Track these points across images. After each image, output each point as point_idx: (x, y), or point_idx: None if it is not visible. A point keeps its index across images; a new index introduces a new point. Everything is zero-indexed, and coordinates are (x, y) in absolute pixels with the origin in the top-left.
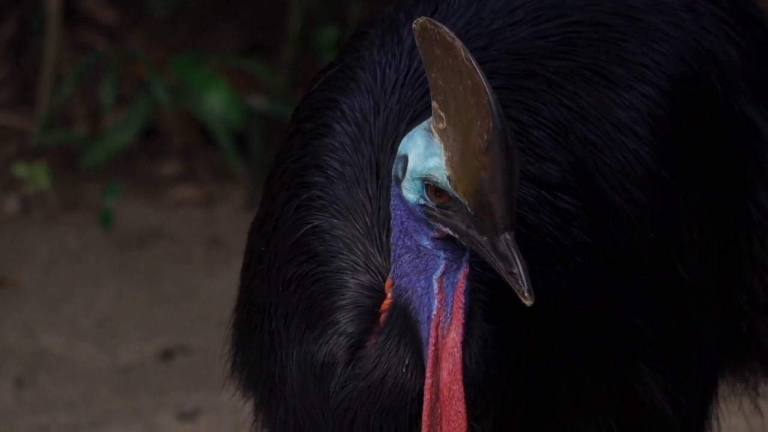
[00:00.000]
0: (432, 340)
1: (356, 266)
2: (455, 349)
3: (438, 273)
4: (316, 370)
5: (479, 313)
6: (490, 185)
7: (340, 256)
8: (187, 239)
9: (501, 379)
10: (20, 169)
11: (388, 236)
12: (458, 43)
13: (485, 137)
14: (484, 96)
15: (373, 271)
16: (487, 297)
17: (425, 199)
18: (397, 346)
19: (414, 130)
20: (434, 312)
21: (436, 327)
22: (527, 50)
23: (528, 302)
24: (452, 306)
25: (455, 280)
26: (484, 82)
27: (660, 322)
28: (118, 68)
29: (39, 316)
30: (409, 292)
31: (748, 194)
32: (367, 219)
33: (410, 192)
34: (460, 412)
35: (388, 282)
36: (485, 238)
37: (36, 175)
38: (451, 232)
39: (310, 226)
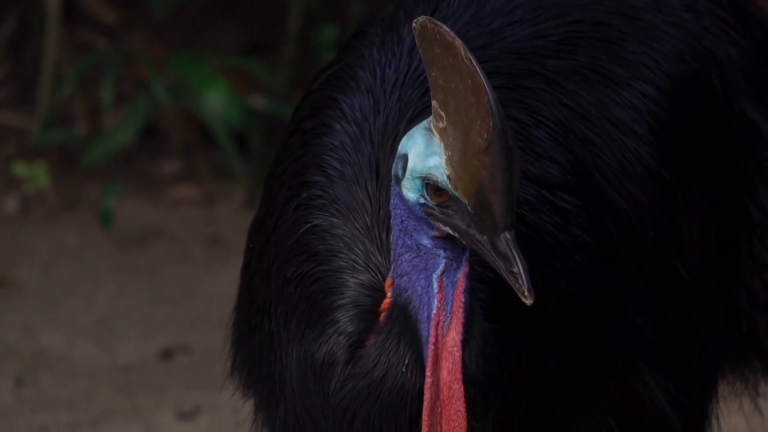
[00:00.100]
0: (432, 339)
1: (356, 265)
2: (455, 348)
3: (438, 272)
4: (315, 369)
5: (479, 312)
6: (490, 184)
7: (340, 255)
8: (187, 238)
9: (501, 378)
10: (20, 169)
11: (388, 235)
12: (458, 42)
13: (485, 136)
14: (484, 95)
15: (372, 270)
16: (487, 296)
17: (425, 198)
18: (397, 345)
19: (414, 129)
20: (434, 311)
21: (436, 326)
22: (527, 49)
23: (528, 301)
24: (452, 305)
25: (455, 279)
26: (484, 81)
27: (660, 321)
28: (118, 67)
29: (39, 315)
30: (409, 291)
31: (748, 193)
32: (367, 218)
33: (410, 191)
34: (460, 411)
35: (388, 281)
36: (485, 237)
37: (36, 175)
38: (451, 231)
39: (310, 225)
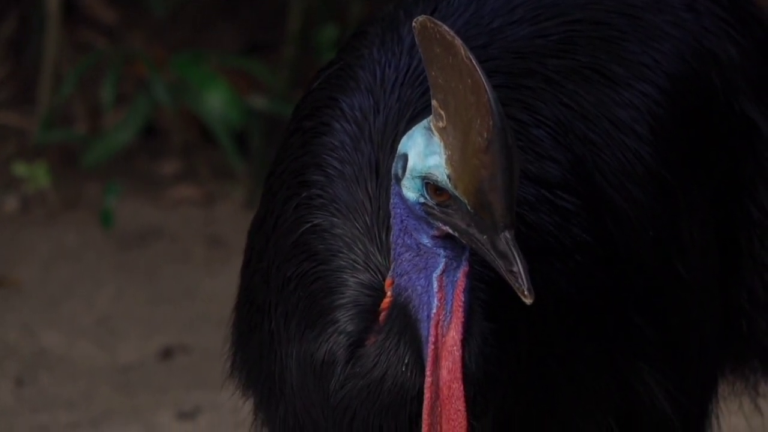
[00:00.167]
0: (432, 339)
1: (356, 265)
2: (455, 348)
3: (438, 271)
4: (315, 369)
5: (479, 312)
6: (490, 184)
7: (340, 254)
8: (187, 238)
9: (501, 377)
10: (20, 168)
11: (387, 235)
12: (458, 41)
13: (485, 136)
14: (484, 94)
15: (372, 269)
16: (486, 295)
17: (425, 198)
18: (396, 344)
19: (414, 128)
20: (434, 310)
21: (436, 325)
22: (527, 49)
23: (528, 301)
24: (452, 304)
25: (455, 279)
26: (483, 80)
27: (660, 320)
28: (118, 67)
29: (39, 315)
30: (409, 290)
31: (749, 193)
32: (366, 218)
33: (410, 190)
34: (459, 410)
35: (388, 280)
36: (485, 236)
37: (36, 174)
38: (450, 231)
39: (309, 224)
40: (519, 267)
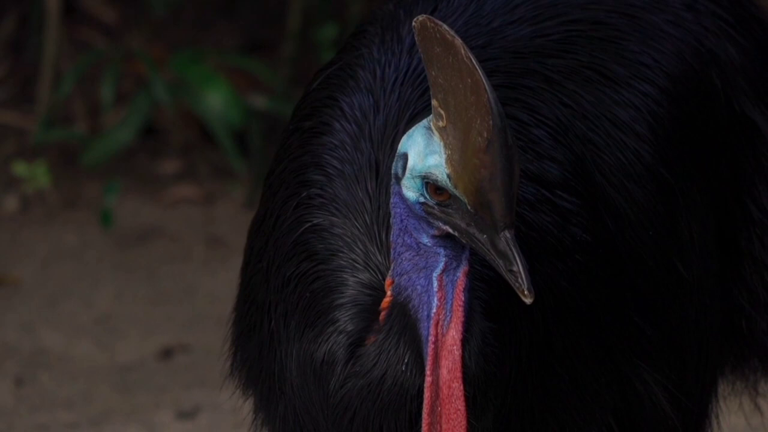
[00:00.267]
0: (431, 338)
1: (356, 264)
2: (455, 347)
3: (438, 270)
4: (315, 369)
5: (479, 311)
6: (490, 183)
7: (340, 254)
8: (187, 237)
9: (500, 377)
10: (20, 168)
11: (387, 234)
12: (458, 41)
13: (485, 135)
14: (484, 94)
15: (372, 269)
16: (486, 295)
17: (425, 197)
18: (396, 344)
19: (414, 128)
20: (434, 309)
21: (436, 325)
22: (527, 48)
23: (528, 300)
24: (452, 303)
25: (455, 278)
26: (483, 80)
27: (660, 320)
28: (117, 66)
29: (38, 314)
30: (409, 290)
31: (749, 193)
32: (366, 217)
33: (410, 190)
34: (459, 410)
35: (388, 280)
36: (485, 236)
37: (35, 174)
38: (450, 230)
39: (309, 224)
40: (519, 266)
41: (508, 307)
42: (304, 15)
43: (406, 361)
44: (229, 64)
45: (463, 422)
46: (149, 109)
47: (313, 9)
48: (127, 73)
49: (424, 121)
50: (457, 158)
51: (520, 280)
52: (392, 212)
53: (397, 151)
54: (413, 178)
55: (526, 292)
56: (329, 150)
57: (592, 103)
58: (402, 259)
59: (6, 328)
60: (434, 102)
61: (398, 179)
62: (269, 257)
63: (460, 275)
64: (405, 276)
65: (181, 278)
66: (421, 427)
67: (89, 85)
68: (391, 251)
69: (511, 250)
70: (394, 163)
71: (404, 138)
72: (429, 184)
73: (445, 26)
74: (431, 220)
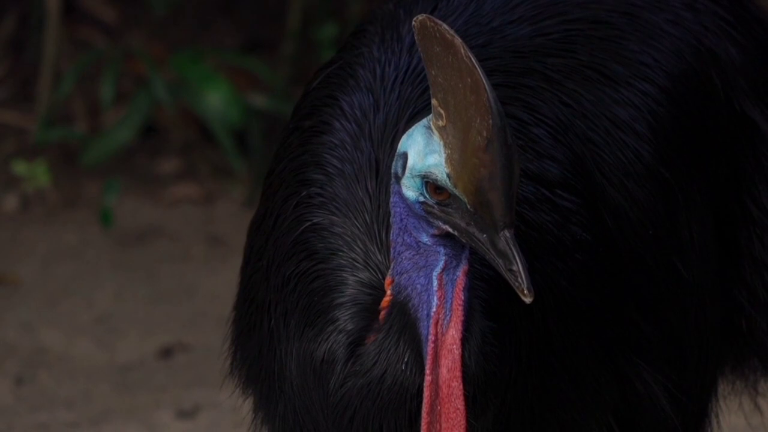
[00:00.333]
0: (431, 337)
1: (356, 263)
2: (454, 346)
3: (438, 269)
4: (315, 368)
5: (479, 310)
6: (490, 182)
7: (340, 253)
8: (187, 237)
9: (500, 376)
10: (20, 167)
11: (387, 233)
12: (458, 40)
13: (485, 135)
14: (484, 93)
15: (372, 268)
16: (486, 294)
17: (425, 197)
18: (396, 343)
19: (413, 127)
20: (434, 309)
21: (436, 324)
22: (527, 48)
23: (527, 299)
24: (452, 303)
25: (455, 277)
26: (483, 79)
27: (659, 319)
28: (117, 65)
29: (38, 314)
30: (409, 289)
31: (748, 192)
32: (366, 216)
33: (410, 189)
34: (459, 409)
35: (388, 279)
36: (485, 235)
37: (35, 173)
38: (450, 230)
39: (309, 223)
40: (519, 266)
41: (508, 306)
42: (304, 14)
43: (405, 360)
44: (229, 64)
45: (463, 421)
46: (149, 108)
47: (313, 8)
48: (127, 73)
49: (424, 121)
50: (456, 157)
51: (519, 279)
52: (392, 211)
53: (397, 150)
54: (413, 178)
55: (525, 292)
56: (329, 149)
57: (592, 102)
58: (402, 258)
59: (6, 327)
60: (434, 101)
61: (398, 178)
62: (269, 256)
63: (460, 274)
64: (405, 275)
65: (181, 278)
66: (420, 426)
67: (89, 84)
68: (391, 250)
69: (510, 249)
70: (393, 163)
71: (404, 137)
72: (429, 183)
73: (444, 25)
74: (431, 220)
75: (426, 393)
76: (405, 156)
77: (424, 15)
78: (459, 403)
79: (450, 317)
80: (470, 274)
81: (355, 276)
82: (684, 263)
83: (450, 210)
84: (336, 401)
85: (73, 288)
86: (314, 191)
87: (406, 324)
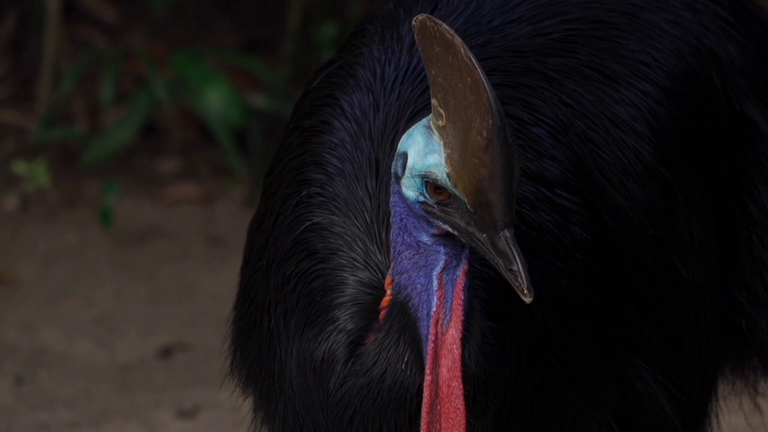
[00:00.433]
0: (431, 337)
1: (356, 263)
2: (454, 346)
3: (438, 269)
4: (315, 367)
5: (478, 310)
6: (490, 182)
7: (340, 253)
8: (187, 236)
9: (500, 375)
10: (20, 167)
11: (387, 233)
12: (458, 40)
13: (485, 134)
14: (484, 93)
15: (372, 268)
16: (486, 294)
17: (425, 196)
18: (396, 342)
19: (413, 127)
20: (434, 308)
21: (436, 323)
22: (527, 47)
23: (527, 299)
24: (452, 302)
25: (455, 277)
26: (483, 79)
27: (659, 319)
28: (117, 65)
29: (38, 313)
30: (409, 288)
31: (749, 192)
32: (366, 216)
33: (410, 189)
34: (459, 409)
35: (388, 278)
36: (485, 235)
37: (35, 173)
38: (450, 230)
39: (309, 223)
40: (518, 266)
41: (508, 306)
42: (304, 14)
43: (405, 359)
44: (229, 63)
45: (463, 421)
46: (149, 108)
47: (313, 8)
48: (126, 73)
49: (424, 120)
50: (456, 157)
51: (519, 279)
52: (392, 211)
53: (397, 150)
54: (413, 177)
55: (525, 291)
56: (329, 149)
57: (592, 101)
58: (402, 258)
59: (6, 327)
60: (434, 101)
61: (398, 178)
62: (269, 256)
63: (460, 274)
64: (405, 275)
65: (181, 277)
66: (420, 425)
67: (89, 84)
68: (391, 250)
69: (510, 249)
70: (393, 162)
71: (404, 137)
72: (429, 183)
73: (444, 25)
74: (431, 219)
75: (426, 393)
76: (405, 156)
77: (424, 15)
78: (459, 403)
79: (450, 317)
80: (470, 274)
81: (355, 276)
82: (684, 263)
83: (450, 210)
84: (336, 401)
85: (73, 288)
86: (314, 191)
87: (406, 324)
